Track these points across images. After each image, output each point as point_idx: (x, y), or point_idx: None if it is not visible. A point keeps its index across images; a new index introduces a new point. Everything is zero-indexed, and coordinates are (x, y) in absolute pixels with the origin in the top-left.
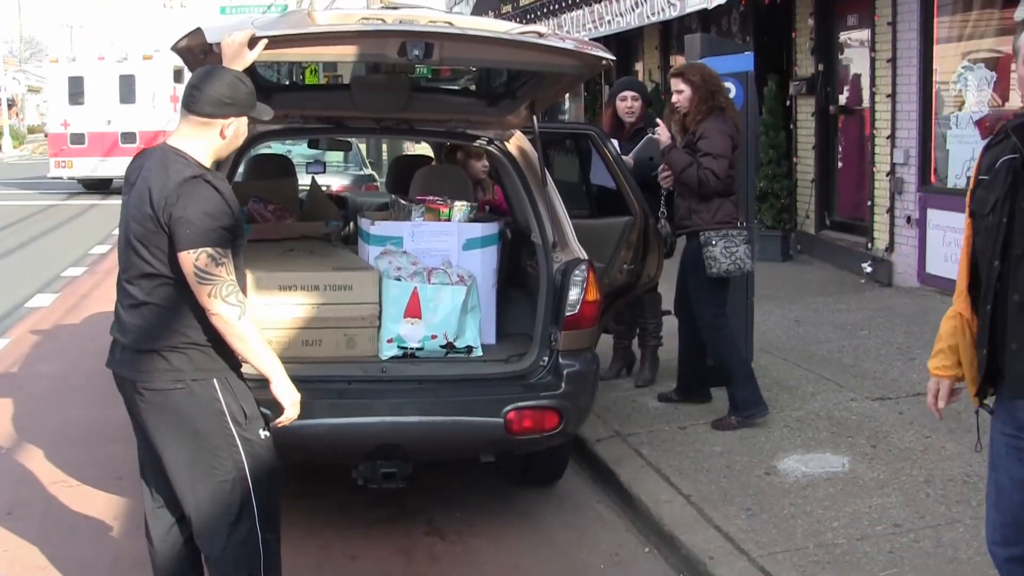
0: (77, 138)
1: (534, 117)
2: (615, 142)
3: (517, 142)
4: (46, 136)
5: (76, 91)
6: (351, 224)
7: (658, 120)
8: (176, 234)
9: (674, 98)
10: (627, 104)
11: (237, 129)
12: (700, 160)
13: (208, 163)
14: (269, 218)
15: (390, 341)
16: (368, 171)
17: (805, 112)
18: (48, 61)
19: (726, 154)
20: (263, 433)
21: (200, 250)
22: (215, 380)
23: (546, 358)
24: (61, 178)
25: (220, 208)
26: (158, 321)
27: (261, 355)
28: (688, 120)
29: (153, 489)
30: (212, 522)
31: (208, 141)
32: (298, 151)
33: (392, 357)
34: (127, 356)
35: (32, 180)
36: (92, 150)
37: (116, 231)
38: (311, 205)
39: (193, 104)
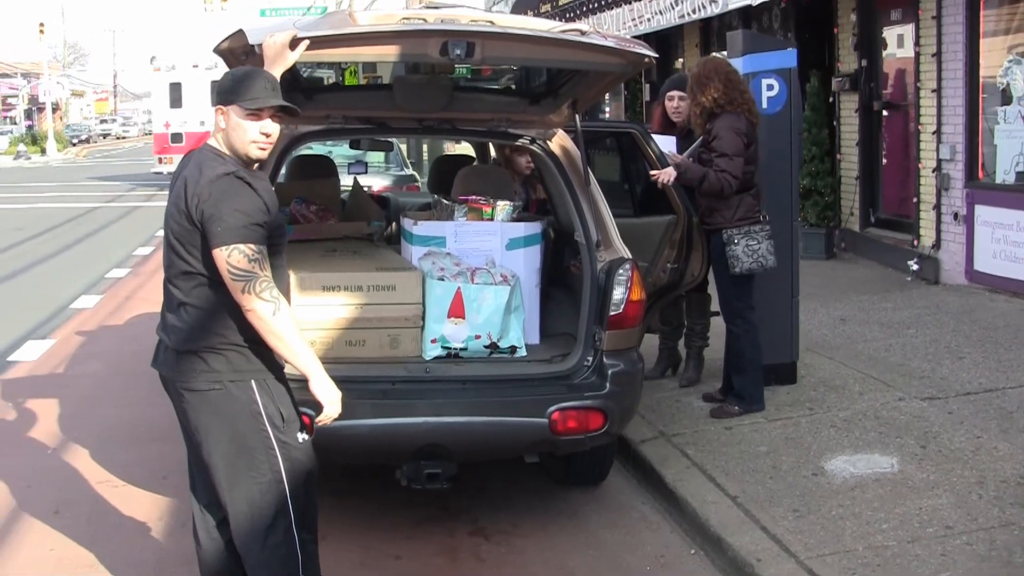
0: (176, 137)
1: (576, 116)
2: (672, 139)
3: (559, 141)
4: (150, 134)
5: (175, 96)
6: (393, 224)
7: (669, 154)
8: (209, 231)
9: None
10: (674, 104)
11: (230, 120)
12: (716, 162)
13: (238, 158)
14: (311, 219)
15: (434, 341)
16: (409, 171)
17: (848, 108)
18: (151, 69)
19: (739, 152)
20: (301, 436)
21: (233, 247)
22: (252, 382)
23: (590, 358)
24: (162, 173)
25: (254, 205)
26: (196, 322)
27: (299, 352)
28: (693, 122)
29: (199, 489)
30: (249, 524)
31: (219, 132)
32: (340, 152)
33: (436, 357)
34: (170, 357)
35: (135, 176)
36: (188, 147)
37: (160, 232)
38: (353, 205)
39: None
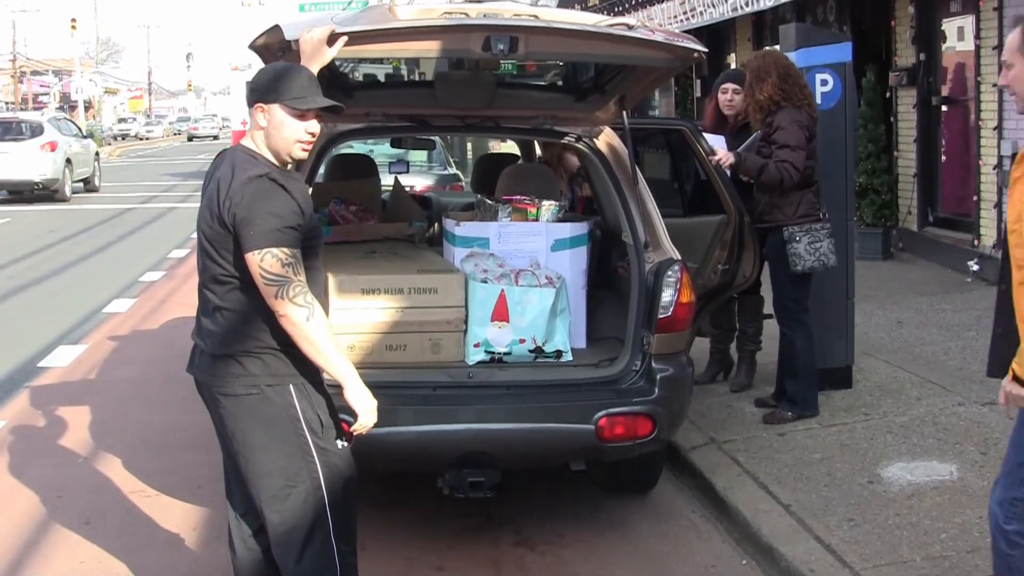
0: None
1: (624, 112)
2: (721, 139)
3: (606, 138)
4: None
5: None
6: (435, 225)
7: (716, 150)
8: (241, 235)
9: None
10: (727, 97)
11: (272, 119)
12: (776, 153)
13: (272, 158)
14: (351, 219)
15: (477, 345)
16: (452, 170)
17: (906, 104)
18: (229, 69)
19: (802, 145)
20: (340, 443)
21: (265, 251)
22: (291, 386)
23: (638, 362)
24: None
25: (287, 207)
26: (232, 326)
27: (332, 359)
28: (751, 117)
29: (235, 497)
30: (286, 534)
31: (255, 133)
32: (380, 150)
33: (479, 362)
34: (205, 361)
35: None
36: None
37: (195, 234)
38: (394, 206)
39: (246, 98)
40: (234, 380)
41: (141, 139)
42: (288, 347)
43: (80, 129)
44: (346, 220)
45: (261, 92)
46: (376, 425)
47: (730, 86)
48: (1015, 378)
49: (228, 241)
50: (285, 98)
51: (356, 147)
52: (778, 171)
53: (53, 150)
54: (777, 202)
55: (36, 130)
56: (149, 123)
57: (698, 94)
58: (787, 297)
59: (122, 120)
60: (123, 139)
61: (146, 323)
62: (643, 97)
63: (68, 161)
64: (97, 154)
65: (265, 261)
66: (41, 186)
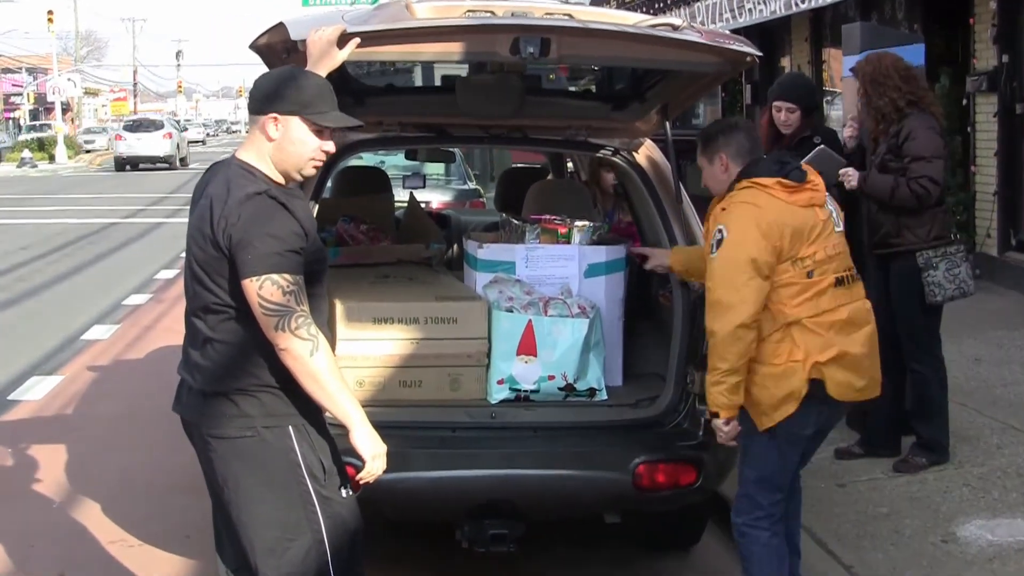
0: None
1: (666, 123)
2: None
3: (647, 152)
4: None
5: None
6: (455, 247)
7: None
8: (237, 259)
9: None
10: (782, 117)
11: (287, 132)
12: (911, 168)
13: (273, 174)
14: (361, 240)
15: (500, 382)
16: (473, 185)
17: (985, 112)
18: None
19: (939, 154)
20: (344, 491)
21: (264, 277)
22: (290, 428)
23: (681, 402)
24: None
25: (288, 229)
26: (225, 360)
27: (338, 398)
28: (870, 128)
29: (226, 550)
30: None
31: (259, 145)
32: (393, 163)
33: (503, 400)
34: (193, 399)
35: None
36: None
37: (184, 255)
38: (409, 225)
39: (248, 105)
40: (227, 421)
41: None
42: (288, 384)
43: (178, 123)
44: (355, 240)
45: (276, 100)
46: (387, 469)
47: (783, 105)
48: None
49: (222, 266)
50: (307, 111)
51: (367, 159)
52: (912, 190)
53: (170, 138)
54: (907, 222)
55: (159, 125)
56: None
57: (748, 101)
58: (919, 330)
59: (91, 132)
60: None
61: (130, 352)
62: (688, 105)
63: (177, 145)
64: (185, 140)
65: (264, 289)
66: (163, 159)
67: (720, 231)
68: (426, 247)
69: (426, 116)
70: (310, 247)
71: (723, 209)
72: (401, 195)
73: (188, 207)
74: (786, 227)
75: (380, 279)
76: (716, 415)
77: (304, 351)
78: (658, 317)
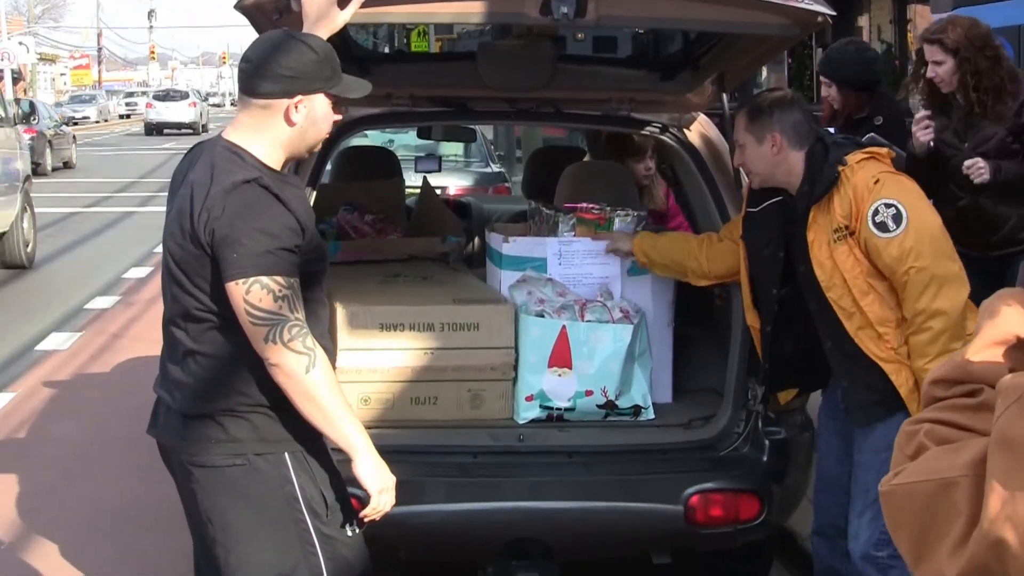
0: None
1: (724, 95)
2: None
3: (700, 129)
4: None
5: None
6: (475, 240)
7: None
8: (222, 258)
9: (930, 71)
10: (824, 92)
11: (312, 112)
12: None
13: (277, 163)
14: (366, 232)
15: (529, 399)
16: (497, 168)
17: None
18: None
19: None
20: (349, 529)
21: (252, 280)
22: (286, 455)
23: (742, 422)
24: None
25: (281, 222)
26: (210, 376)
27: (338, 422)
28: (967, 103)
29: None
30: None
31: (271, 132)
32: (403, 142)
33: (532, 420)
34: (173, 421)
35: None
36: None
37: (160, 249)
38: (422, 214)
39: (249, 83)
40: (213, 447)
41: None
42: (284, 404)
43: (199, 92)
44: (360, 233)
45: (302, 79)
46: (398, 502)
47: (823, 79)
48: None
49: (204, 266)
50: (331, 84)
51: (373, 138)
52: None
53: (194, 107)
54: None
55: (184, 95)
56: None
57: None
58: None
59: (80, 100)
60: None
61: (94, 365)
62: (749, 74)
63: (200, 113)
64: (207, 109)
65: (252, 294)
66: (188, 126)
67: (891, 205)
68: (442, 241)
69: (442, 88)
70: (307, 244)
71: (876, 181)
72: (413, 180)
73: (163, 194)
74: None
75: (389, 278)
76: None
77: (298, 367)
78: (714, 322)
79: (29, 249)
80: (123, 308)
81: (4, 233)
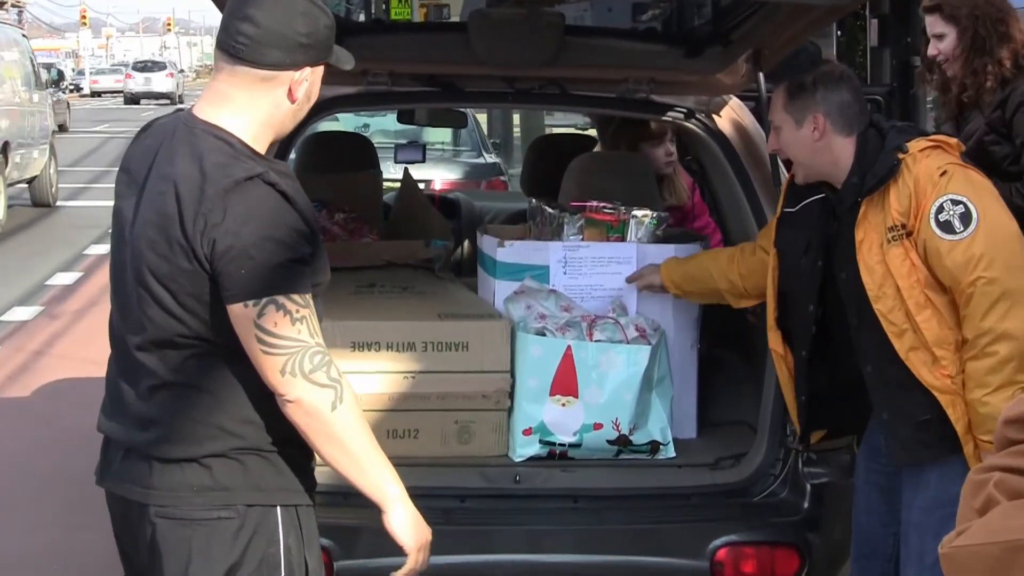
0: None
1: (759, 75)
2: None
3: (732, 115)
4: None
5: None
6: (465, 244)
7: None
8: (226, 275)
9: (931, 49)
10: (932, 47)
11: (311, 87)
12: None
13: (263, 148)
14: (336, 234)
15: (528, 432)
16: (492, 159)
17: None
18: None
19: None
20: None
21: (266, 301)
22: (279, 509)
23: (779, 463)
24: None
25: (293, 228)
26: (195, 413)
27: (369, 467)
28: (968, 87)
29: None
30: None
31: (267, 109)
32: (381, 127)
33: (531, 458)
34: (136, 466)
35: None
36: None
37: (95, 249)
38: (403, 213)
39: (255, 49)
40: (194, 496)
41: None
42: (285, 445)
43: (175, 65)
44: (329, 235)
45: (311, 48)
46: (373, 553)
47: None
48: None
49: (200, 284)
50: (328, 55)
51: (344, 122)
52: None
53: (172, 77)
54: None
55: (163, 66)
56: None
57: (873, 43)
58: None
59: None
60: None
61: (12, 387)
62: (791, 49)
63: (177, 84)
64: (184, 80)
65: (266, 317)
66: (166, 95)
67: (959, 202)
68: (426, 244)
69: (427, 63)
70: (315, 251)
71: (943, 174)
72: (392, 172)
73: (96, 186)
74: (997, 194)
75: (362, 289)
76: None
77: (323, 403)
78: (746, 344)
79: (54, 191)
80: (46, 321)
81: (36, 177)
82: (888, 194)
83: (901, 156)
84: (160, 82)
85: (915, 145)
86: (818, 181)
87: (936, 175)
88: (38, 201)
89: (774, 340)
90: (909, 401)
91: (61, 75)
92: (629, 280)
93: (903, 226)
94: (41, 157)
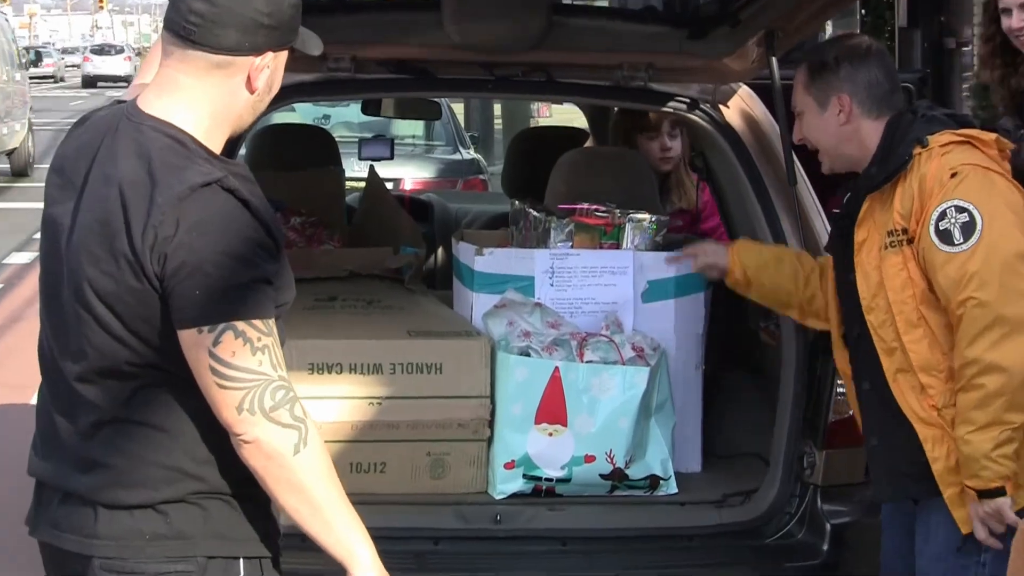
0: None
1: (773, 59)
2: None
3: (742, 105)
4: None
5: None
6: (439, 252)
7: None
8: (178, 295)
9: (1004, 22)
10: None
11: (273, 75)
12: None
13: (218, 146)
14: (295, 240)
15: (510, 466)
16: (470, 155)
17: None
18: None
19: None
20: None
21: (222, 326)
22: (242, 562)
23: (795, 499)
24: None
25: (255, 240)
26: (145, 453)
27: (335, 520)
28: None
29: None
30: None
31: (223, 100)
32: (343, 119)
33: (514, 495)
34: (76, 514)
35: None
36: None
37: (23, 257)
38: (368, 216)
39: (208, 30)
40: (147, 545)
41: None
42: (250, 487)
43: (134, 47)
44: (286, 243)
45: (276, 29)
46: None
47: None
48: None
49: (149, 305)
50: (294, 38)
51: (302, 113)
52: None
53: (129, 60)
54: None
55: (120, 50)
56: None
57: (903, 23)
58: None
59: None
60: None
61: None
62: (808, 34)
63: (135, 67)
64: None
65: (222, 345)
66: (123, 79)
67: (964, 210)
68: (394, 252)
69: (396, 47)
70: (278, 265)
71: (953, 175)
72: (356, 170)
73: (20, 184)
74: (1020, 207)
75: (322, 303)
76: (999, 492)
77: (285, 445)
78: (757, 365)
79: (32, 160)
80: None
81: (16, 149)
82: (895, 192)
83: (918, 149)
84: (117, 65)
85: (938, 139)
86: (847, 172)
87: (946, 176)
88: (16, 171)
89: (840, 359)
90: (899, 428)
91: (39, 56)
92: (685, 253)
93: (904, 231)
94: (22, 130)
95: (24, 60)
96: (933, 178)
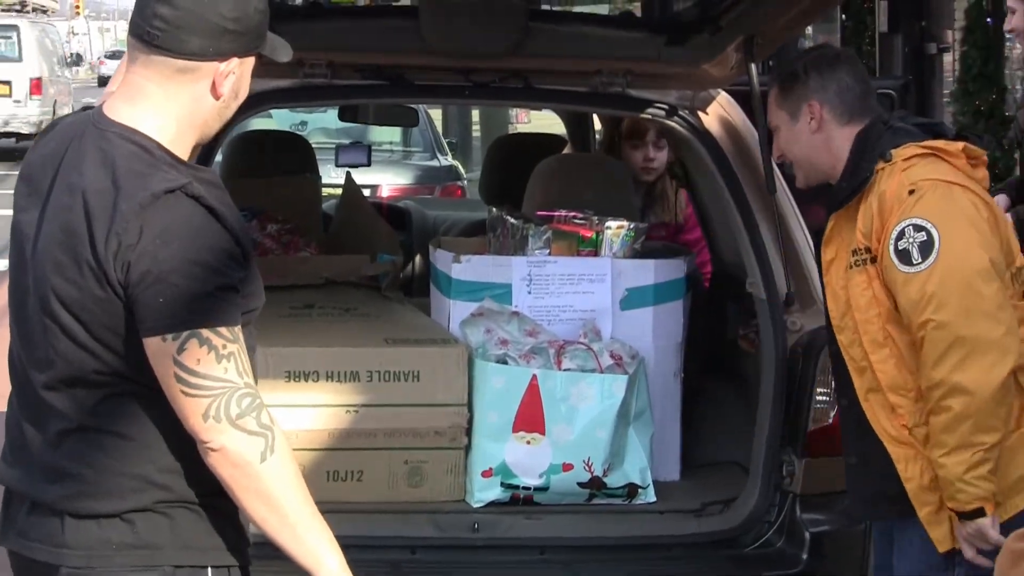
0: None
1: (751, 66)
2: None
3: (720, 112)
4: None
5: None
6: (416, 260)
7: None
8: (142, 303)
9: (1007, 23)
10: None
11: (239, 81)
12: None
13: (185, 152)
14: (270, 248)
15: (488, 474)
16: (447, 161)
17: None
18: None
19: None
20: None
21: (187, 334)
22: (210, 571)
23: (775, 508)
24: None
25: (221, 247)
26: (112, 462)
27: (302, 529)
28: None
29: None
30: None
31: (188, 107)
32: (320, 125)
33: (492, 503)
34: (44, 523)
35: None
36: None
37: (10, 278)
38: (344, 224)
39: (172, 34)
40: (115, 555)
41: None
42: (217, 496)
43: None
44: (261, 249)
45: (240, 34)
46: None
47: None
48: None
49: (114, 313)
50: (262, 44)
51: (278, 119)
52: None
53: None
54: None
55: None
56: None
57: (883, 28)
58: None
59: None
60: None
61: None
62: (789, 38)
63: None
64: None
65: (187, 353)
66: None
67: (922, 228)
68: (371, 259)
69: (373, 52)
70: (248, 275)
71: (911, 192)
72: (332, 177)
73: None
74: (992, 220)
75: (298, 311)
76: (978, 513)
77: (252, 453)
78: (737, 373)
79: None
80: None
81: None
82: (859, 210)
83: (881, 164)
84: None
85: (902, 152)
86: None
87: (904, 193)
88: None
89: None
90: (876, 448)
91: (80, 57)
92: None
93: (867, 250)
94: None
95: (68, 61)
96: (892, 195)
